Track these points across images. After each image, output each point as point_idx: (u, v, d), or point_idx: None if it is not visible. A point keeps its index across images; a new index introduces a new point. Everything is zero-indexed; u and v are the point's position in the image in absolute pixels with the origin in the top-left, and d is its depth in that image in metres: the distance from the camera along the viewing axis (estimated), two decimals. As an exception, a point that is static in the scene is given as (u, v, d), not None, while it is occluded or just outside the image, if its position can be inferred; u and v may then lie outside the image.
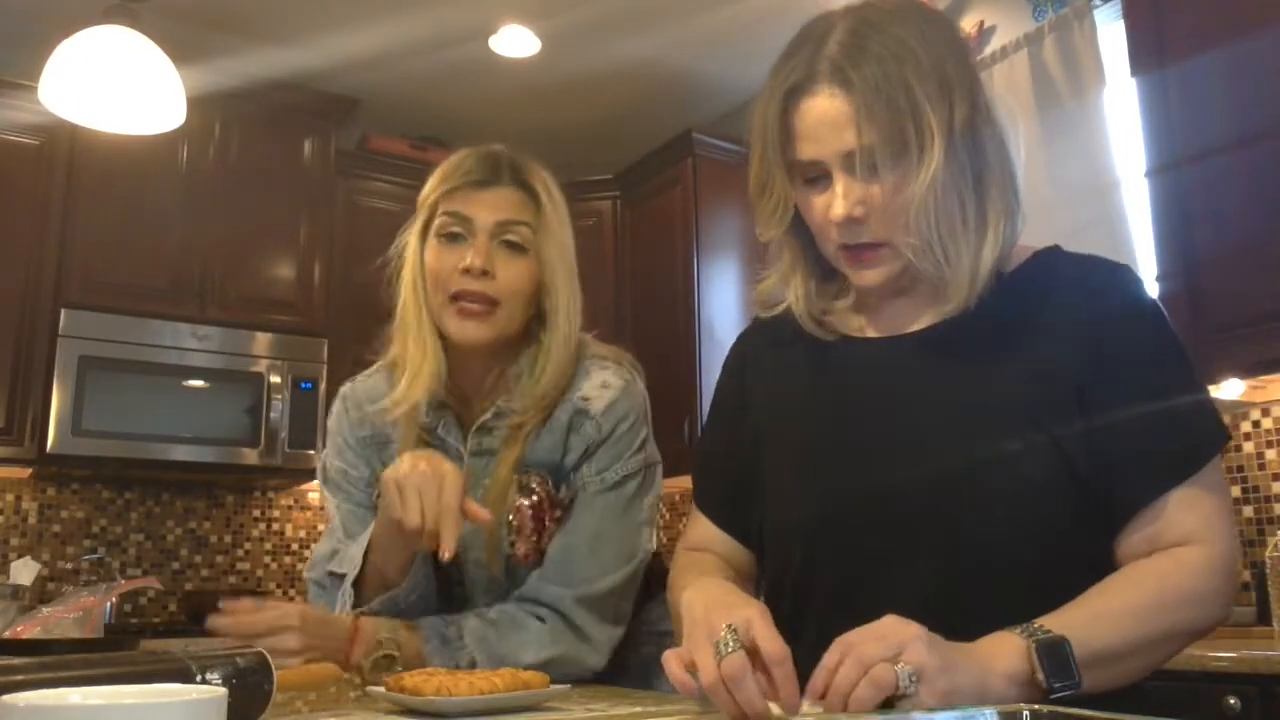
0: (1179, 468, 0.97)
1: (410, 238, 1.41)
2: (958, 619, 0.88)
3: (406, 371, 1.37)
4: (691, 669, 0.86)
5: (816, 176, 1.02)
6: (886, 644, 0.80)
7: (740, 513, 1.16)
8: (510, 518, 1.36)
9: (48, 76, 2.36)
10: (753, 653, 0.83)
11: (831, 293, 1.13)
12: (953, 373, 1.03)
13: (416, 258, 1.39)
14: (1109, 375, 0.98)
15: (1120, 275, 1.05)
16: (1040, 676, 0.84)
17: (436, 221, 1.37)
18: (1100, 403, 0.98)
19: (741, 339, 1.26)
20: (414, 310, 1.38)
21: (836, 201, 1.00)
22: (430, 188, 1.40)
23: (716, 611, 0.87)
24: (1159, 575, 0.94)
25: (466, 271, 1.33)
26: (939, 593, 0.97)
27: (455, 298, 1.34)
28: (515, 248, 1.36)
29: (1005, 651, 0.86)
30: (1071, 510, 0.97)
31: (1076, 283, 1.04)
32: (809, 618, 1.05)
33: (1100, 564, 0.98)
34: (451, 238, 1.36)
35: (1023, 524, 0.97)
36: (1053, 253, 1.09)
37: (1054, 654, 0.85)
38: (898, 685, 0.78)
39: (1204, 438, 0.98)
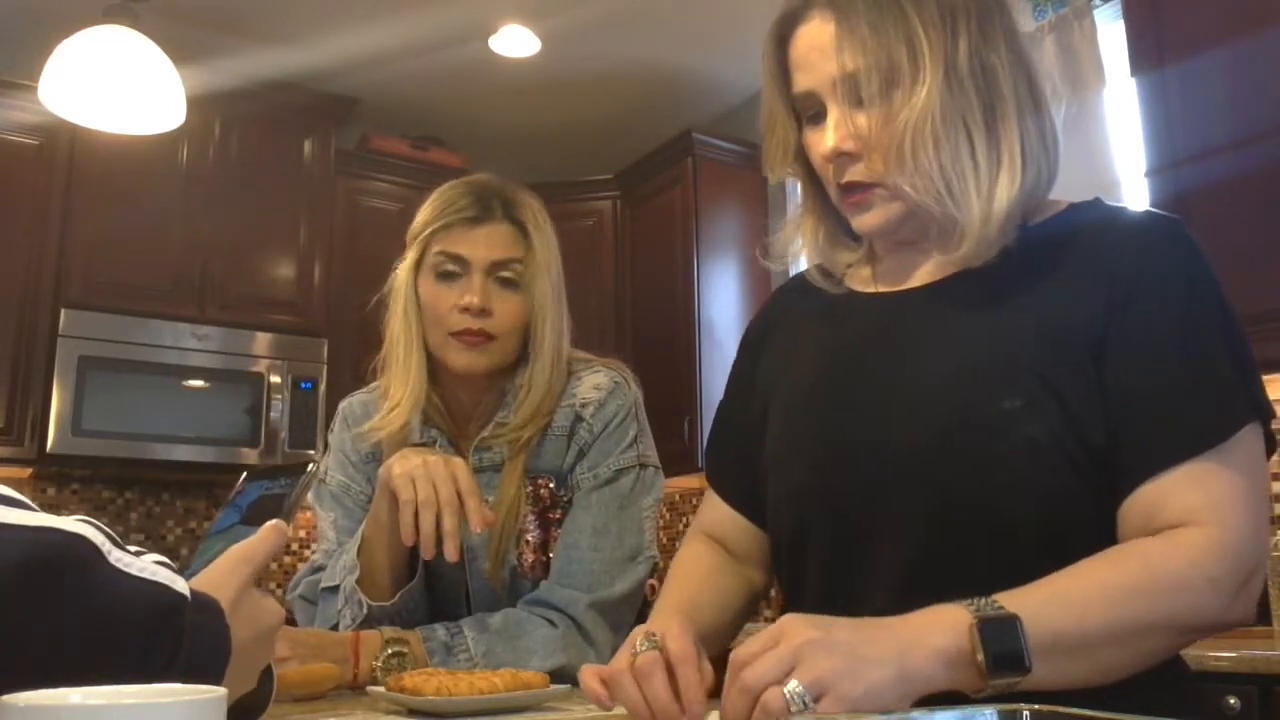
0: (1192, 440, 0.85)
1: (402, 271, 1.42)
2: (946, 593, 0.80)
3: (388, 403, 1.40)
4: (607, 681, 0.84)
5: (815, 113, 0.98)
6: (778, 661, 0.72)
7: (748, 485, 1.09)
8: (519, 526, 1.38)
9: (48, 76, 2.36)
10: (668, 660, 0.81)
11: (847, 246, 1.07)
12: (956, 326, 0.95)
13: (409, 292, 1.41)
14: (1128, 331, 0.88)
15: (1154, 223, 0.94)
16: (980, 658, 0.74)
17: (431, 259, 1.39)
18: (1116, 361, 0.87)
19: (769, 298, 1.20)
20: (403, 344, 1.40)
21: (826, 134, 0.95)
22: (421, 222, 1.42)
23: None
24: (1143, 556, 0.83)
25: (465, 309, 1.36)
26: (927, 562, 0.89)
27: (455, 335, 1.37)
28: (509, 284, 1.39)
29: (941, 625, 0.76)
30: (1078, 478, 0.87)
31: (1102, 231, 0.94)
32: (805, 593, 0.99)
33: (1112, 539, 0.87)
34: (447, 276, 1.38)
35: (1021, 489, 0.87)
36: (1087, 204, 0.99)
37: (999, 633, 0.74)
38: (789, 709, 0.69)
39: (1228, 409, 0.86)
